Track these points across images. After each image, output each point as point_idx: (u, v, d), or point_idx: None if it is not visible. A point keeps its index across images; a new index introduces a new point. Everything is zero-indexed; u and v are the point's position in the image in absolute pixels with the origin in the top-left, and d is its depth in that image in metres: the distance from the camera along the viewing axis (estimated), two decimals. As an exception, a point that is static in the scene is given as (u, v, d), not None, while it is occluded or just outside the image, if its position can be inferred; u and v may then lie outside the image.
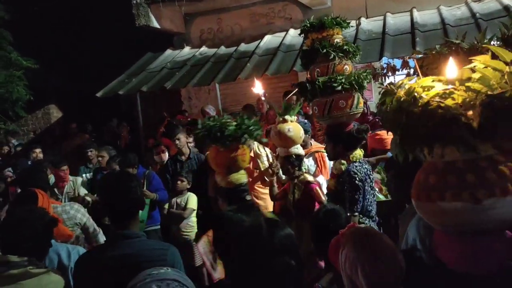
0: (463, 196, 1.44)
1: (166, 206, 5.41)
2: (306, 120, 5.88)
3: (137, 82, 8.56)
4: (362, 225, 1.83)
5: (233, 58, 8.58)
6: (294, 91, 8.00)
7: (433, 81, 1.57)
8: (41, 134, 11.42)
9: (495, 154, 1.48)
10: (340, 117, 3.84)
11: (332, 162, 4.15)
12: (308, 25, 4.03)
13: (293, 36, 8.81)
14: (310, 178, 4.19)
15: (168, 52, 9.82)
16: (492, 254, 1.49)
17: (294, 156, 4.19)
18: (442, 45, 2.52)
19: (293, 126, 4.20)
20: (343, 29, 4.07)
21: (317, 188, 4.13)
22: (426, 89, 1.54)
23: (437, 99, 1.49)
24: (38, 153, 7.01)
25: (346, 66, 3.99)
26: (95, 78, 9.44)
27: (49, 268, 2.29)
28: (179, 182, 5.35)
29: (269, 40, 8.99)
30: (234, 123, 3.71)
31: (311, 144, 5.42)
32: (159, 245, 2.29)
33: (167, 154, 6.35)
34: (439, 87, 1.54)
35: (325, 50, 3.87)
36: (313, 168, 5.14)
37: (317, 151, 5.29)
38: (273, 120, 6.94)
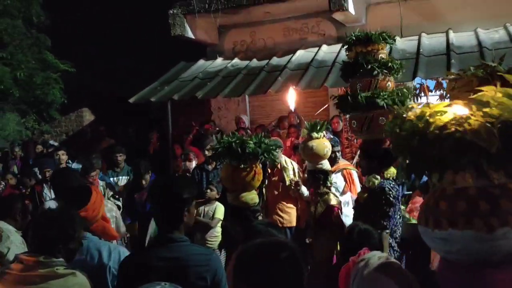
0: (476, 224, 1.40)
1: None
2: (332, 136, 5.85)
3: (169, 90, 8.69)
4: (377, 254, 1.72)
5: (265, 71, 8.62)
6: (325, 106, 8.00)
7: (445, 106, 1.55)
8: (73, 136, 11.69)
9: (509, 183, 1.45)
10: (379, 134, 3.80)
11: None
12: (354, 37, 4.00)
13: (326, 52, 8.81)
14: (333, 201, 4.19)
15: (201, 62, 9.95)
16: (493, 286, 1.45)
17: (319, 172, 4.23)
18: (477, 67, 2.46)
19: (317, 144, 4.22)
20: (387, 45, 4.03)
21: (338, 211, 4.22)
22: (439, 114, 1.52)
23: (453, 123, 1.46)
24: (61, 155, 7.10)
25: (389, 83, 3.95)
26: (128, 84, 9.65)
27: (76, 269, 2.31)
28: (208, 190, 5.38)
29: (302, 55, 9.00)
30: (254, 141, 3.65)
31: (339, 161, 5.39)
32: (203, 251, 2.32)
33: (194, 162, 6.41)
34: (451, 113, 1.52)
35: (369, 66, 3.83)
36: (341, 184, 5.12)
37: (345, 168, 5.26)
38: (294, 135, 6.91)
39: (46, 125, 10.67)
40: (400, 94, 3.83)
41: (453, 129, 1.44)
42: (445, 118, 1.50)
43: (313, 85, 7.69)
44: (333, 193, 4.35)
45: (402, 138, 1.57)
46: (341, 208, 4.43)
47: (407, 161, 1.56)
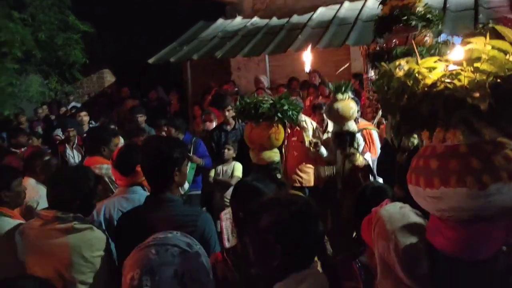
0: (468, 181, 1.37)
1: (212, 173, 5.49)
2: (352, 96, 5.75)
3: (188, 50, 8.62)
4: (399, 204, 1.73)
5: (285, 29, 8.44)
6: (346, 65, 7.83)
7: (435, 62, 1.49)
8: (95, 97, 11.81)
9: (500, 138, 1.41)
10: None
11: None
12: None
13: (348, 9, 8.54)
14: (360, 162, 4.16)
15: (220, 21, 9.80)
16: (487, 241, 1.44)
17: (345, 133, 4.21)
18: (496, 19, 2.32)
19: (343, 105, 4.17)
20: None
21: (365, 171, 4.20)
22: (429, 70, 1.46)
23: (443, 80, 1.41)
24: (83, 116, 7.20)
25: (427, 38, 3.80)
26: (147, 45, 9.60)
27: (93, 224, 2.37)
28: (226, 150, 5.42)
29: (323, 13, 8.76)
30: (270, 102, 3.78)
31: (359, 121, 5.32)
32: (192, 211, 2.32)
33: (214, 123, 6.41)
34: (441, 69, 1.46)
35: (405, 18, 3.67)
36: (362, 145, 5.06)
37: (364, 128, 5.18)
38: (325, 94, 6.85)
39: (68, 86, 10.78)
40: (439, 50, 3.67)
41: (443, 86, 1.39)
42: (435, 74, 1.44)
43: (334, 43, 7.51)
44: (360, 154, 4.34)
45: (390, 96, 1.52)
46: (371, 168, 4.44)
47: (396, 120, 1.52)
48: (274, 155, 3.96)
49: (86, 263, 2.23)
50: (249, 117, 3.82)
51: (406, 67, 1.51)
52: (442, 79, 1.42)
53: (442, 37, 7.10)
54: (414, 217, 1.64)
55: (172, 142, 2.35)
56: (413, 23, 3.61)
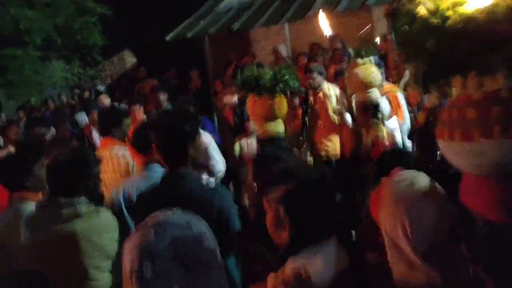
0: None
1: (236, 147, 5.42)
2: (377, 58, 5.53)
3: (204, 25, 8.49)
4: (411, 172, 1.53)
5: (303, -5, 8.18)
6: (368, 27, 7.54)
7: None
8: (118, 79, 11.86)
9: None
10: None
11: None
12: None
13: (367, -32, 8.17)
14: (384, 133, 3.97)
15: (236, -8, 9.58)
16: None
17: (368, 102, 3.98)
18: None
19: (362, 70, 3.97)
20: None
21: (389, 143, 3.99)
22: (457, 6, 1.26)
23: (478, 14, 1.20)
24: (103, 98, 7.27)
25: None
26: (166, 23, 9.49)
27: (100, 207, 2.33)
28: (249, 123, 5.33)
29: (341, -26, 8.42)
30: (271, 73, 3.84)
31: (383, 84, 5.11)
32: (209, 187, 2.28)
33: (236, 96, 6.33)
34: (472, 3, 1.24)
35: None
36: (387, 110, 4.87)
37: (389, 91, 4.98)
38: (339, 59, 6.63)
39: (91, 70, 10.86)
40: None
41: (481, 20, 1.18)
42: (466, 10, 1.23)
43: (353, 5, 7.23)
44: (384, 125, 4.16)
45: (413, 40, 1.32)
46: (393, 138, 4.23)
47: (422, 67, 1.32)
48: (279, 126, 3.95)
49: (95, 247, 2.19)
50: (251, 90, 3.86)
51: (430, 4, 1.31)
52: (479, 12, 1.21)
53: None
54: (428, 186, 1.41)
55: (184, 116, 2.28)
56: None
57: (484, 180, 1.30)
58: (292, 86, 3.93)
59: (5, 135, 5.79)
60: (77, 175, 2.27)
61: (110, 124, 3.68)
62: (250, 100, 4.01)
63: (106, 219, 2.28)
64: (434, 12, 1.29)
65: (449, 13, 1.26)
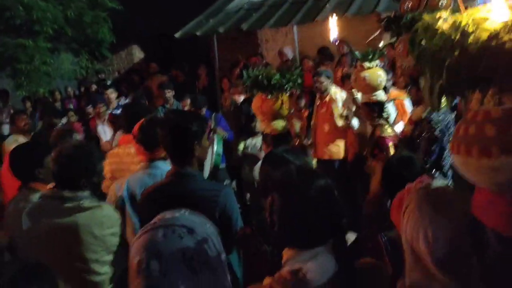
0: None
1: (241, 146, 5.45)
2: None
3: (214, 23, 8.51)
4: (437, 181, 1.53)
5: (313, -2, 8.19)
6: (376, 33, 7.54)
7: (487, 11, 1.26)
8: (125, 73, 11.90)
9: None
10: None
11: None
12: None
13: (379, -26, 8.17)
14: (389, 132, 4.01)
15: (246, -8, 9.59)
16: None
17: (374, 103, 4.09)
18: None
19: (370, 74, 4.06)
20: None
21: (391, 143, 4.03)
22: (480, 22, 1.25)
23: (503, 32, 1.19)
24: (110, 94, 7.27)
25: (442, 1, 3.57)
26: (175, 20, 9.52)
27: (103, 202, 2.35)
28: (255, 123, 5.35)
29: (352, -21, 8.42)
30: (279, 74, 4.11)
31: (390, 91, 5.13)
32: (213, 186, 2.28)
33: (242, 96, 6.36)
34: (494, 20, 1.23)
35: None
36: (393, 115, 4.90)
37: (396, 98, 5.01)
38: (347, 65, 6.65)
39: (98, 64, 10.91)
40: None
41: (507, 38, 1.18)
42: (488, 27, 1.23)
43: (363, 10, 7.23)
44: (390, 125, 4.20)
45: (432, 54, 1.33)
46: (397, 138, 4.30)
47: (440, 82, 1.32)
48: (284, 123, 4.26)
49: (97, 241, 2.21)
50: (262, 89, 4.05)
51: (450, 19, 1.32)
52: (504, 31, 1.21)
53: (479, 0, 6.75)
54: (453, 196, 1.44)
55: (190, 116, 2.31)
56: None
57: (499, 195, 1.29)
58: (299, 84, 4.23)
59: (14, 124, 5.83)
60: (82, 171, 2.29)
61: (136, 119, 3.61)
62: (257, 99, 4.18)
63: (109, 213, 2.29)
64: (456, 28, 1.29)
65: (471, 29, 1.26)
